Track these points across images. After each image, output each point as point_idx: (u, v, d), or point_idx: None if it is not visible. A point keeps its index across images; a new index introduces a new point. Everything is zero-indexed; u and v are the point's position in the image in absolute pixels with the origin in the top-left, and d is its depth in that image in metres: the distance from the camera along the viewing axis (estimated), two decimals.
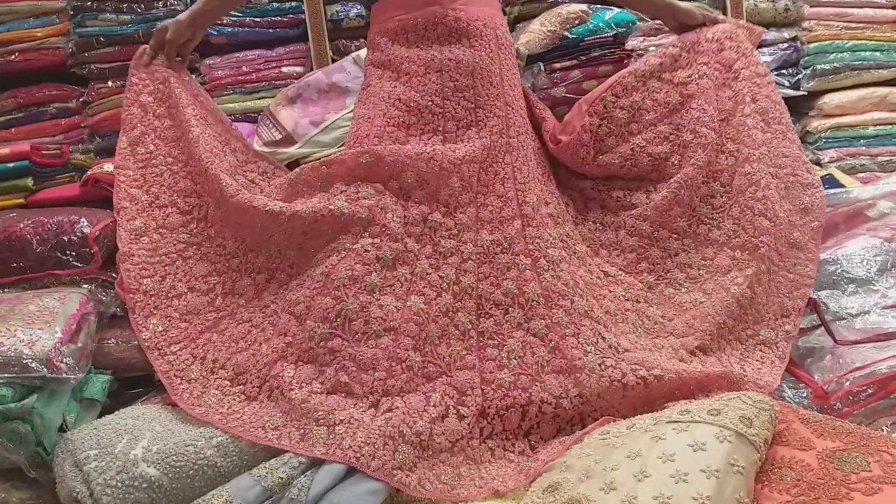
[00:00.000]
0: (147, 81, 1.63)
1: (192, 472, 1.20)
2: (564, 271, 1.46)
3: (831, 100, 2.36)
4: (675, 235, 1.59)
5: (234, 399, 1.33)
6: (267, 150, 1.92)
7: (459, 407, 1.29)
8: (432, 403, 1.27)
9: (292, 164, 1.94)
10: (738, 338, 1.52)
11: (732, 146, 1.60)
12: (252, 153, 1.72)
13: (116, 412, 1.35)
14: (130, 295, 1.45)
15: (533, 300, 1.41)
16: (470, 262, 1.44)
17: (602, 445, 1.23)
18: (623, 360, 1.36)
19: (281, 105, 1.99)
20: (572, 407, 1.33)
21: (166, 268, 1.50)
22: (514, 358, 1.37)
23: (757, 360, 1.49)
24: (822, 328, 1.66)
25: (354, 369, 1.31)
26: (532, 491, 1.18)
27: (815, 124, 2.37)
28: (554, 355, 1.37)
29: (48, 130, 2.25)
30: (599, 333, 1.39)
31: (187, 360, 1.39)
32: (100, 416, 1.38)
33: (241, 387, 1.35)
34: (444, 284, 1.41)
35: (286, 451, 1.21)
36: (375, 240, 1.40)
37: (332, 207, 1.43)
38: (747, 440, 1.13)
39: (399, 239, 1.41)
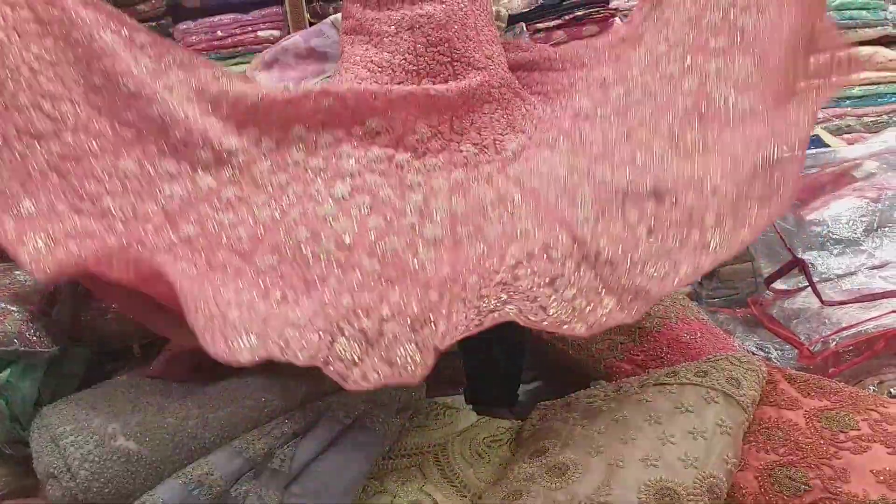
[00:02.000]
0: None
1: (172, 444, 1.17)
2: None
3: None
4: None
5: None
6: None
7: (428, 290, 1.21)
8: (391, 300, 1.18)
9: None
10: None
11: None
12: (159, 40, 1.46)
13: (94, 385, 1.31)
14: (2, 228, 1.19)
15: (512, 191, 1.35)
16: (441, 192, 1.35)
17: (588, 409, 1.22)
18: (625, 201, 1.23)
19: (257, 70, 1.93)
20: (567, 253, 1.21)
21: (39, 183, 1.26)
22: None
23: None
24: (809, 289, 1.66)
25: (301, 283, 1.22)
26: (518, 456, 1.17)
27: None
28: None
29: None
30: (600, 181, 1.27)
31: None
32: (78, 389, 1.34)
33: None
34: (410, 208, 1.32)
35: (267, 423, 1.18)
36: (328, 181, 1.32)
37: (289, 161, 1.36)
38: (735, 401, 1.12)
39: (356, 174, 1.34)
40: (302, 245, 1.25)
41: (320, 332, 1.12)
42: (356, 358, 1.11)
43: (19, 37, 1.36)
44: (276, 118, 1.39)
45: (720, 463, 1.04)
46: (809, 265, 1.68)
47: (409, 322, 1.17)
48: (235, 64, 2.12)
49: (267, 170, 1.35)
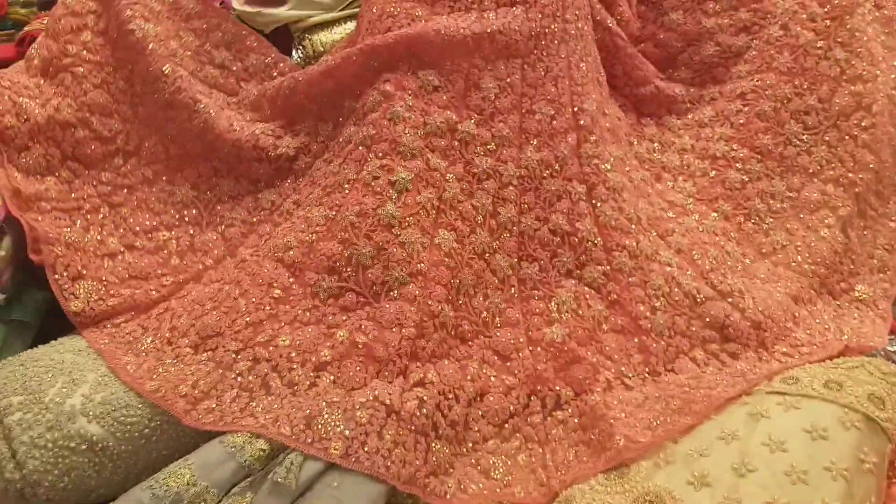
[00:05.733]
0: None
1: (147, 430, 0.92)
2: (627, 203, 1.15)
3: None
4: (756, 155, 1.27)
5: (200, 370, 0.98)
6: (249, 9, 1.53)
7: (504, 377, 1.01)
8: (469, 376, 0.99)
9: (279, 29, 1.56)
10: (831, 291, 1.22)
11: (841, 54, 1.27)
12: (210, 10, 1.30)
13: (52, 342, 1.05)
14: (49, 246, 1.06)
15: (588, 240, 1.11)
16: (510, 187, 1.12)
17: None
18: (699, 316, 1.08)
19: None
20: (637, 374, 1.05)
21: (88, 216, 1.11)
22: (567, 311, 1.08)
23: (855, 319, 1.20)
24: None
25: (375, 329, 1.00)
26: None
27: None
28: (613, 310, 1.08)
29: None
30: (673, 278, 1.10)
31: (135, 331, 1.04)
32: (32, 344, 1.07)
33: (210, 353, 1.00)
34: (479, 217, 1.10)
35: None
36: (384, 161, 1.07)
37: (341, 140, 1.15)
38: (879, 427, 0.87)
39: (417, 154, 1.08)
40: (369, 271, 1.03)
41: (417, 434, 0.92)
42: (448, 465, 0.93)
43: (57, 32, 1.17)
44: (323, 97, 1.18)
45: None
46: None
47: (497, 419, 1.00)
48: None
49: (323, 162, 1.16)
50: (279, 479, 0.82)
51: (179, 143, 1.19)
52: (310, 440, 0.87)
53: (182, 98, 1.16)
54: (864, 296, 1.22)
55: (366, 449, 0.87)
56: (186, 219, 1.16)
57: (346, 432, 0.87)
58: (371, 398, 0.91)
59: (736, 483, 0.82)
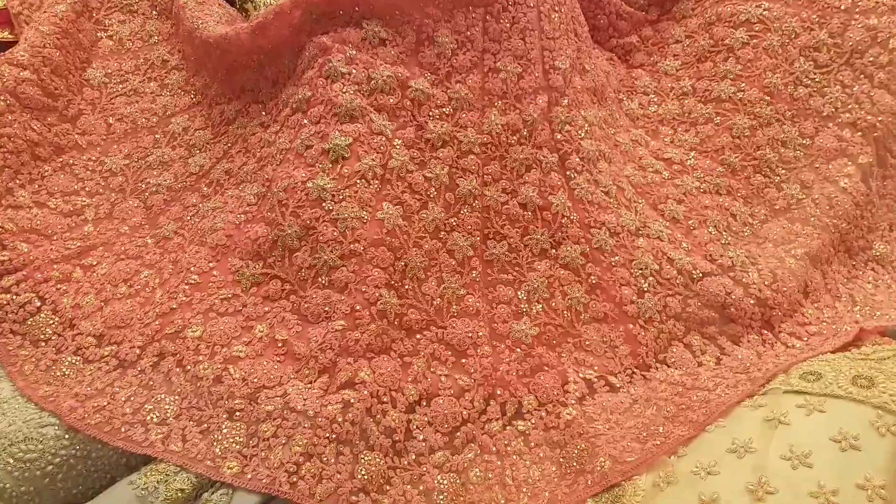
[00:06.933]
0: None
1: (50, 468, 0.78)
2: (604, 173, 1.01)
3: None
4: (765, 97, 1.12)
5: (98, 368, 0.85)
6: None
7: (458, 376, 0.86)
8: (412, 377, 0.85)
9: None
10: (849, 249, 1.09)
11: None
12: None
13: None
14: None
15: (563, 215, 0.96)
16: (471, 156, 0.97)
17: None
18: (697, 295, 0.94)
19: None
20: (625, 370, 0.91)
21: (4, 157, 0.98)
22: (539, 301, 0.93)
23: (869, 283, 1.06)
24: None
25: (298, 323, 0.87)
26: None
27: None
28: (594, 296, 0.94)
29: None
30: (663, 254, 0.96)
31: (30, 303, 0.90)
32: None
33: (113, 347, 0.87)
34: (433, 190, 0.94)
35: None
36: (318, 126, 0.92)
37: (279, 104, 1.02)
38: None
39: (357, 116, 0.92)
40: (296, 255, 0.90)
41: (339, 444, 0.78)
42: (383, 481, 0.80)
43: None
44: (260, 54, 1.04)
45: None
46: None
47: (446, 427, 0.86)
48: None
49: (259, 126, 1.04)
50: None
51: (129, 121, 1.10)
52: (200, 457, 0.76)
53: (149, 87, 1.14)
54: (881, 254, 1.10)
55: (267, 465, 0.75)
56: (111, 186, 1.05)
57: (244, 451, 0.76)
58: (280, 406, 0.79)
59: None
